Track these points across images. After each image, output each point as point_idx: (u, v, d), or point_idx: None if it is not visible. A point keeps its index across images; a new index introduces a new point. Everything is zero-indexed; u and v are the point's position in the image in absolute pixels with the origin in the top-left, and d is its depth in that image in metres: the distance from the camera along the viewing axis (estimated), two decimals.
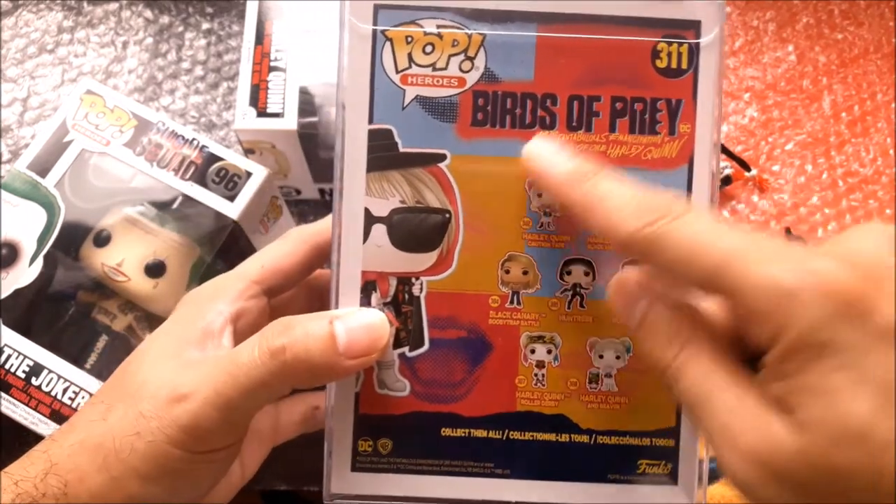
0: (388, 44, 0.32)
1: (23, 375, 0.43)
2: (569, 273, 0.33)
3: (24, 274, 0.44)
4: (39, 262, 0.44)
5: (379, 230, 0.33)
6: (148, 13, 0.60)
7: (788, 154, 0.61)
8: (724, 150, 0.59)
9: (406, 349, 0.33)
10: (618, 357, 0.33)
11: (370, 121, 0.32)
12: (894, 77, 0.63)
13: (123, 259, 0.45)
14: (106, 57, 0.59)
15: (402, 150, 0.32)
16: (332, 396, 0.33)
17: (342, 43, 0.32)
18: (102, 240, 0.45)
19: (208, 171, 0.46)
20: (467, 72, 0.32)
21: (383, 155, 0.32)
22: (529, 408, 0.33)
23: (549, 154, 0.30)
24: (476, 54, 0.32)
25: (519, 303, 0.33)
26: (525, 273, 0.33)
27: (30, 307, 0.44)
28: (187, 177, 0.46)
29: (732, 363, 0.26)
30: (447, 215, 0.33)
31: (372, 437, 0.33)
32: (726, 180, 0.59)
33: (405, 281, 0.33)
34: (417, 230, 0.33)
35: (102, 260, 0.45)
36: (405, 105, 0.32)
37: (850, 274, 0.22)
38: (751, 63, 0.64)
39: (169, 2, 0.61)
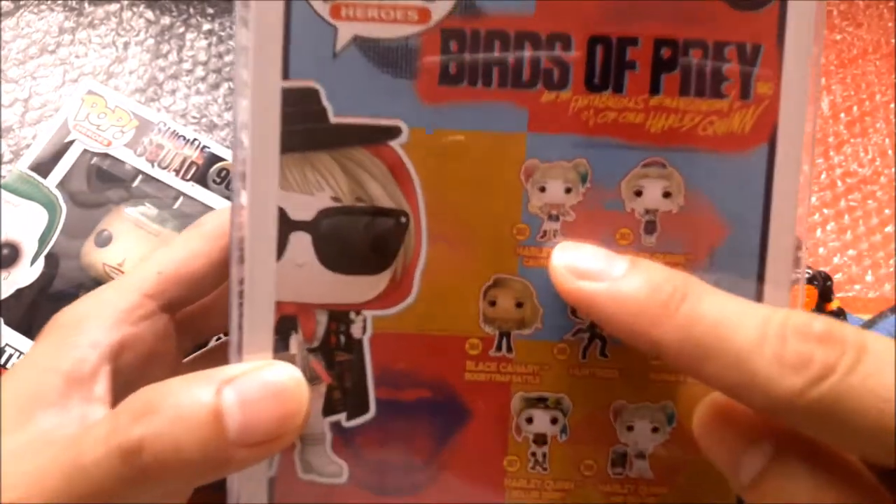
0: None
1: None
2: None
3: (26, 274, 0.44)
4: (41, 262, 0.45)
5: (300, 241, 0.22)
6: (149, 14, 0.61)
7: None
8: None
9: (342, 416, 0.23)
10: (655, 430, 0.23)
11: (284, 75, 0.21)
12: (893, 77, 0.61)
13: (125, 259, 0.45)
14: (107, 58, 0.59)
15: (333, 120, 0.22)
16: (235, 484, 0.23)
17: None
18: (103, 240, 0.45)
19: (209, 171, 0.46)
20: None
21: (305, 127, 0.22)
22: (525, 501, 0.23)
23: (593, 268, 0.21)
24: None
25: (510, 349, 0.23)
26: (519, 306, 0.22)
27: (31, 307, 0.44)
28: (188, 177, 0.46)
29: None
30: (403, 219, 0.22)
31: None
32: None
33: (340, 317, 0.22)
34: (358, 242, 0.22)
35: (104, 260, 0.45)
36: (338, 51, 0.21)
37: None
38: None
39: (170, 3, 0.61)
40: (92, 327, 0.26)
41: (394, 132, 0.22)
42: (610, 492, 0.23)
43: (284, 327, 0.22)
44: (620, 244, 0.22)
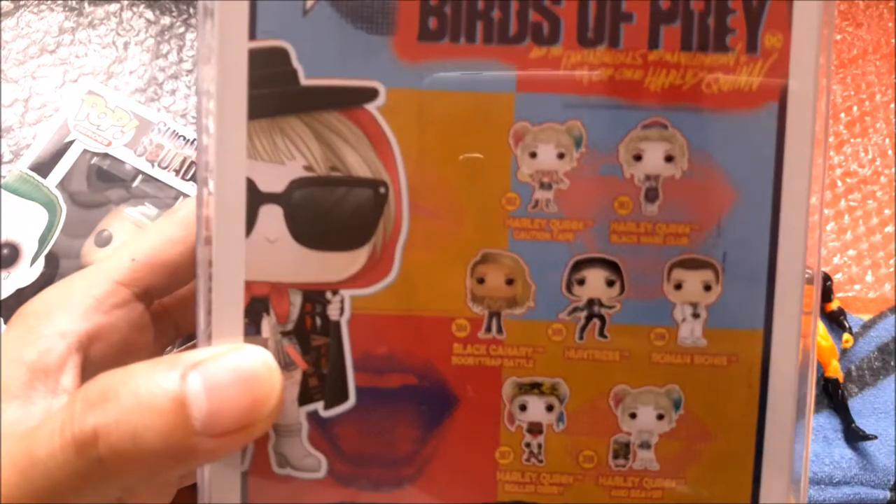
0: None
1: None
2: (581, 282, 0.20)
3: (26, 274, 0.45)
4: (41, 262, 0.45)
5: (271, 215, 0.20)
6: (149, 14, 0.61)
7: None
8: None
9: (319, 405, 0.21)
10: (660, 417, 0.21)
11: (251, 34, 0.20)
12: (893, 77, 0.61)
13: None
14: (107, 58, 0.60)
15: (304, 82, 0.20)
16: (206, 478, 0.21)
17: None
18: (103, 240, 0.46)
19: None
20: None
21: (274, 91, 0.20)
22: (518, 497, 0.21)
23: None
24: None
25: (500, 330, 0.21)
26: (510, 282, 0.21)
27: None
28: (188, 177, 0.47)
29: None
30: (382, 190, 0.20)
31: None
32: None
33: (316, 297, 0.21)
34: (334, 214, 0.20)
35: None
36: (308, 7, 0.20)
37: None
38: None
39: (170, 3, 0.61)
40: (60, 316, 0.24)
41: (370, 94, 0.20)
42: (612, 486, 0.21)
43: (255, 309, 0.20)
44: (619, 213, 0.20)
